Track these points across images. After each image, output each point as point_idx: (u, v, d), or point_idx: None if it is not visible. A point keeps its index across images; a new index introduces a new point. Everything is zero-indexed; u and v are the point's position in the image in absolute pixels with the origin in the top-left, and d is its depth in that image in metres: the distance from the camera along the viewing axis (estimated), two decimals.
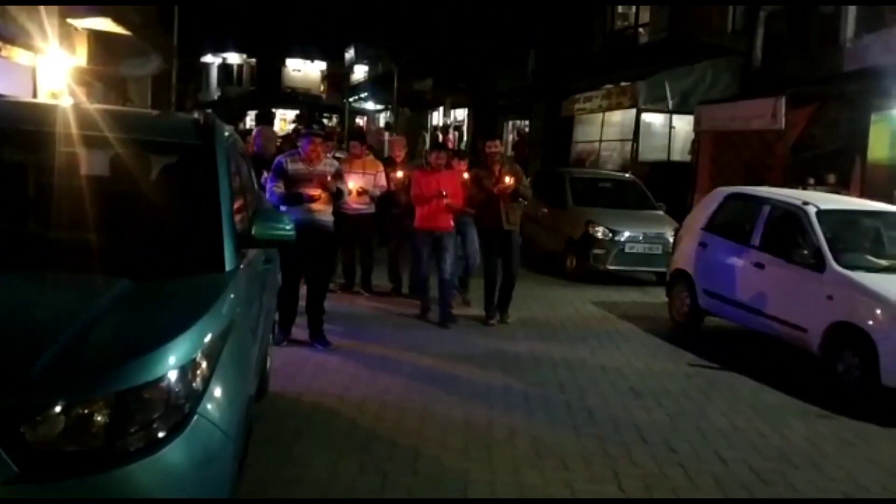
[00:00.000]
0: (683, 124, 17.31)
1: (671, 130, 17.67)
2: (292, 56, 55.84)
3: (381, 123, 43.52)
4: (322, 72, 57.06)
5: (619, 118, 18.95)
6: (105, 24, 11.49)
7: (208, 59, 53.44)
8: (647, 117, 17.90)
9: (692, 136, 16.86)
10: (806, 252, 7.13)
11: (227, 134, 4.18)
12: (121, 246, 3.32)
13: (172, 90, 17.00)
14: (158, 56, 14.17)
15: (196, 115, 4.40)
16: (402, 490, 4.30)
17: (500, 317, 8.40)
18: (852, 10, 13.80)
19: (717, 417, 5.92)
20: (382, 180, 9.01)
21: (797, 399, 6.48)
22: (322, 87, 56.89)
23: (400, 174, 9.07)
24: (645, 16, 20.51)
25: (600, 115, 19.33)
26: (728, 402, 6.32)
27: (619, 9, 21.82)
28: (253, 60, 56.20)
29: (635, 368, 7.14)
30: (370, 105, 45.19)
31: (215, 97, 53.57)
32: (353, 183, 8.51)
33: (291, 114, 52.70)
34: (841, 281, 6.72)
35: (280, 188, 6.71)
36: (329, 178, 6.75)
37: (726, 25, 17.29)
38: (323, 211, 6.84)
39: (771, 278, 7.54)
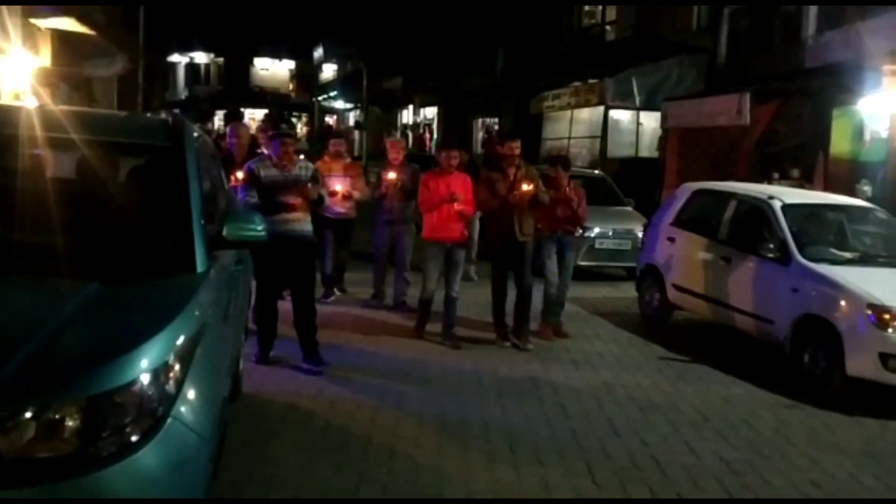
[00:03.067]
0: (650, 121, 17.52)
1: (638, 127, 17.88)
2: (260, 55, 55.48)
3: (351, 122, 43.44)
4: (291, 71, 56.79)
5: (588, 115, 19.11)
6: (69, 24, 11.32)
7: (175, 58, 52.95)
8: (614, 114, 18.08)
9: (659, 132, 17.07)
10: (772, 245, 7.23)
11: (195, 134, 4.17)
12: (90, 249, 3.29)
13: (139, 90, 16.80)
14: (124, 56, 13.99)
15: (164, 115, 4.35)
16: (377, 488, 4.32)
17: (519, 341, 7.42)
18: (814, 8, 14.04)
19: (688, 409, 6.01)
20: (361, 184, 8.71)
21: (765, 390, 6.59)
22: (291, 86, 56.60)
23: (392, 175, 8.41)
24: (612, 14, 20.69)
25: (569, 112, 19.47)
26: (698, 394, 6.41)
27: (586, 7, 22.00)
28: (221, 60, 55.71)
29: (607, 362, 7.21)
30: (340, 104, 45.09)
31: (183, 97, 53.10)
32: (339, 185, 8.24)
33: (260, 113, 52.37)
34: (806, 274, 6.84)
35: (254, 198, 6.11)
36: (309, 185, 6.28)
37: (691, 23, 17.52)
38: (301, 219, 6.33)
39: (738, 272, 7.65)
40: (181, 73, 55.85)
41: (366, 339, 7.42)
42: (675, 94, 16.46)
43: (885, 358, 6.08)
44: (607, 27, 20.92)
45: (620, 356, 7.49)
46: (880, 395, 6.31)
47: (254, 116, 50.19)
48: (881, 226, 7.90)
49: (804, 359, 6.66)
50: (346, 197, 8.39)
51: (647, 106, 16.83)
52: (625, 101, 17.03)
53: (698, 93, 16.11)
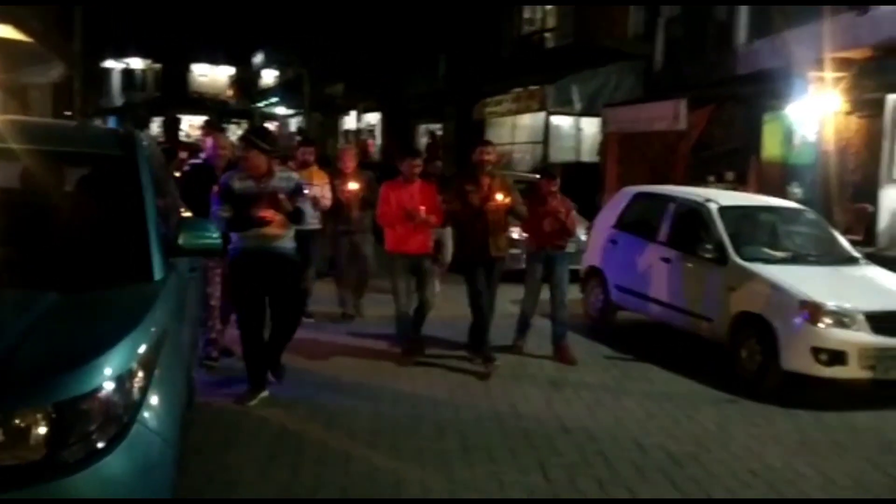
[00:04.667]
0: (591, 126, 17.89)
1: (579, 132, 18.23)
2: (198, 61, 54.80)
3: (293, 128, 43.14)
4: (230, 76, 56.19)
5: (530, 121, 19.41)
6: (5, 32, 11.05)
7: (109, 64, 51.90)
8: (555, 120, 18.40)
9: (599, 137, 17.46)
10: (709, 246, 7.49)
11: (146, 143, 4.19)
12: (47, 259, 3.30)
13: (76, 97, 16.45)
14: (61, 63, 13.69)
15: (98, 122, 4.34)
16: (335, 490, 4.38)
17: (476, 357, 6.98)
18: (744, 17, 14.57)
19: (633, 406, 6.21)
20: (328, 193, 8.06)
21: (706, 386, 6.83)
22: (230, 92, 55.98)
23: (354, 186, 8.11)
24: (551, 21, 21.05)
25: (511, 118, 19.75)
26: (643, 391, 6.62)
27: (526, 14, 22.32)
28: (157, 66, 54.79)
29: (554, 363, 7.35)
30: (281, 110, 44.77)
31: (118, 103, 52.04)
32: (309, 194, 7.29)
33: (199, 119, 51.71)
34: (742, 273, 7.12)
35: (226, 212, 5.51)
36: (282, 197, 5.58)
37: (628, 30, 17.94)
38: (280, 236, 5.70)
39: (678, 272, 7.90)
40: (116, 80, 54.76)
41: (315, 336, 7.39)
42: (613, 99, 16.85)
43: (816, 352, 6.37)
44: (547, 34, 21.27)
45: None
46: (813, 388, 6.61)
47: (192, 123, 49.59)
48: (811, 226, 8.27)
49: (742, 355, 6.92)
50: (315, 206, 7.65)
51: (587, 112, 17.18)
52: (565, 107, 17.34)
53: (636, 99, 16.54)
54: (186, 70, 55.29)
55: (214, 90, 55.59)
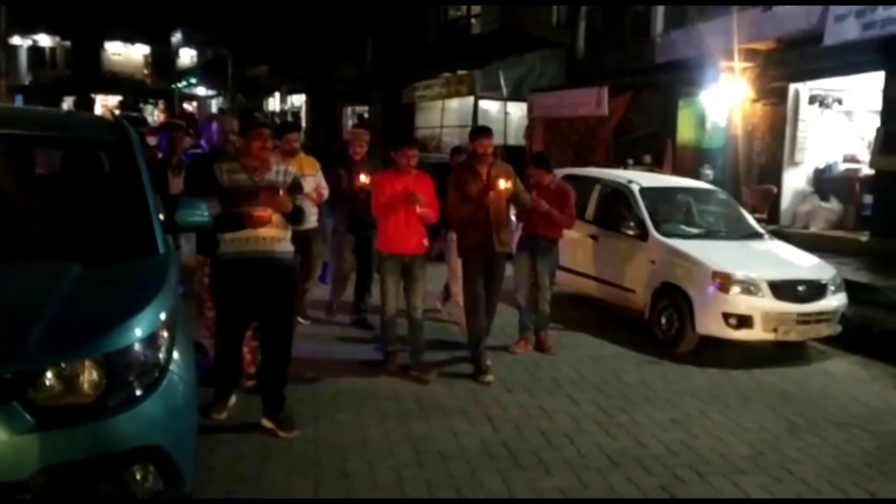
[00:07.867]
0: (517, 110, 18.57)
1: (506, 116, 18.89)
2: (112, 39, 53.31)
3: (214, 109, 42.59)
4: (145, 56, 54.87)
5: (458, 105, 19.98)
6: None
7: (16, 41, 49.96)
8: (483, 104, 19.02)
9: (526, 121, 18.16)
10: (632, 224, 8.21)
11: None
12: (66, 236, 3.67)
13: (1, 78, 16.12)
14: None
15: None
16: (308, 444, 4.87)
17: (478, 372, 6.43)
18: (661, 8, 15.44)
19: (567, 369, 6.86)
20: (323, 182, 7.24)
21: (630, 350, 7.54)
22: (146, 72, 54.70)
23: (364, 178, 7.03)
24: (477, 7, 21.61)
25: (440, 102, 20.26)
26: (574, 356, 7.28)
27: None
28: (67, 43, 53.02)
29: (492, 333, 7.74)
30: (201, 90, 44.11)
31: (26, 82, 50.21)
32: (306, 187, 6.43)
33: (114, 99, 50.52)
34: (661, 247, 7.85)
35: (213, 209, 4.45)
36: (282, 192, 4.77)
37: (551, 19, 18.67)
38: (277, 239, 4.88)
39: (603, 248, 8.60)
40: (23, 57, 52.76)
41: None
42: (538, 85, 17.56)
43: (726, 317, 7.16)
44: (473, 20, 21.83)
45: (503, 327, 8.18)
46: (724, 349, 7.40)
47: (106, 103, 48.37)
48: (722, 205, 9.10)
49: (661, 321, 7.67)
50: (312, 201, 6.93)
51: (514, 97, 17.84)
52: (493, 92, 17.96)
53: (560, 85, 17.28)
54: (99, 48, 53.71)
55: (129, 69, 54.23)
